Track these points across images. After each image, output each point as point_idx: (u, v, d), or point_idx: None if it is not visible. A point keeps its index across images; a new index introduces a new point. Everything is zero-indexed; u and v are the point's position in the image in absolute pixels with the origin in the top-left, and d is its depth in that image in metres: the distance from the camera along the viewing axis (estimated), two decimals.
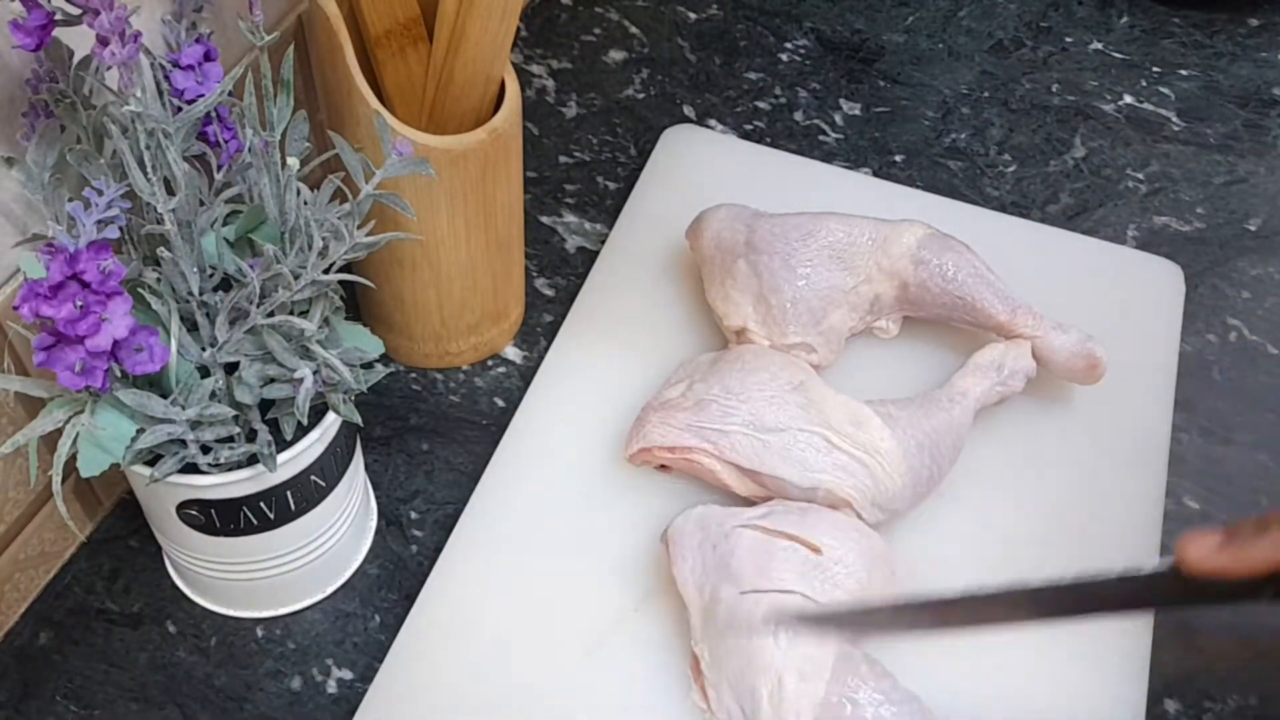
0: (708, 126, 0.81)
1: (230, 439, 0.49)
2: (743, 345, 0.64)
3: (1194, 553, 0.42)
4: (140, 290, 0.46)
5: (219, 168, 0.50)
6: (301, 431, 0.50)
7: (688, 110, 0.82)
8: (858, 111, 0.83)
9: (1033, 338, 0.64)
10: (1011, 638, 0.52)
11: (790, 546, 0.54)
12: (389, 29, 0.56)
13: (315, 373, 0.47)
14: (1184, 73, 0.86)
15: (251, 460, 0.49)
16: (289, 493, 0.51)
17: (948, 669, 0.55)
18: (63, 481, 0.46)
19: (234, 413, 0.47)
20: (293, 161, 0.46)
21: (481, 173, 0.58)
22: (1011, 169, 0.79)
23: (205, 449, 0.48)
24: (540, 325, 0.70)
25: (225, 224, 0.49)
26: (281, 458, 0.49)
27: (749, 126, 0.81)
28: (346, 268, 0.50)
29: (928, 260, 0.64)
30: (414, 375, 0.67)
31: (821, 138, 0.81)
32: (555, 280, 0.72)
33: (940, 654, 0.55)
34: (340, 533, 0.57)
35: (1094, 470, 0.62)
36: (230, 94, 0.46)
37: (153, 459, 0.48)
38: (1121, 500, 0.62)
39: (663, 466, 0.61)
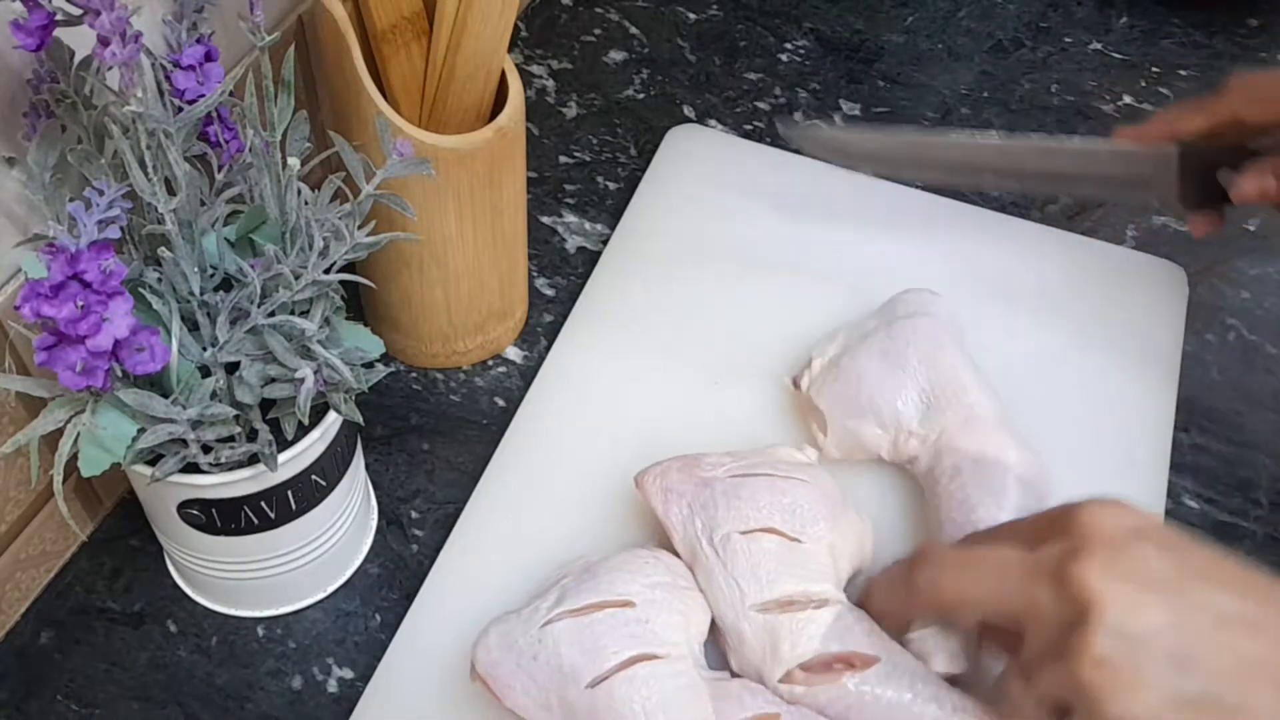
0: (708, 126, 0.81)
1: (231, 438, 0.49)
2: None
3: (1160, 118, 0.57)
4: (141, 290, 0.46)
5: (220, 168, 0.50)
6: (302, 431, 0.50)
7: (688, 110, 0.82)
8: (857, 112, 0.83)
9: None
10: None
11: (604, 616, 0.49)
12: (394, 23, 0.56)
13: (316, 372, 0.47)
14: (1183, 73, 0.86)
15: (252, 460, 0.49)
16: (290, 492, 0.51)
17: None
18: (64, 481, 0.46)
19: (235, 412, 0.47)
20: (293, 161, 0.46)
21: (489, 171, 0.58)
22: None
23: (206, 448, 0.48)
24: (541, 325, 0.70)
25: (226, 224, 0.49)
26: (282, 457, 0.49)
27: (749, 126, 0.81)
28: (348, 267, 0.50)
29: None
30: (414, 375, 0.68)
31: None
32: (556, 280, 0.72)
33: None
34: (341, 532, 0.57)
35: (1094, 470, 0.62)
36: (231, 94, 0.46)
37: (154, 458, 0.48)
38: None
39: None
